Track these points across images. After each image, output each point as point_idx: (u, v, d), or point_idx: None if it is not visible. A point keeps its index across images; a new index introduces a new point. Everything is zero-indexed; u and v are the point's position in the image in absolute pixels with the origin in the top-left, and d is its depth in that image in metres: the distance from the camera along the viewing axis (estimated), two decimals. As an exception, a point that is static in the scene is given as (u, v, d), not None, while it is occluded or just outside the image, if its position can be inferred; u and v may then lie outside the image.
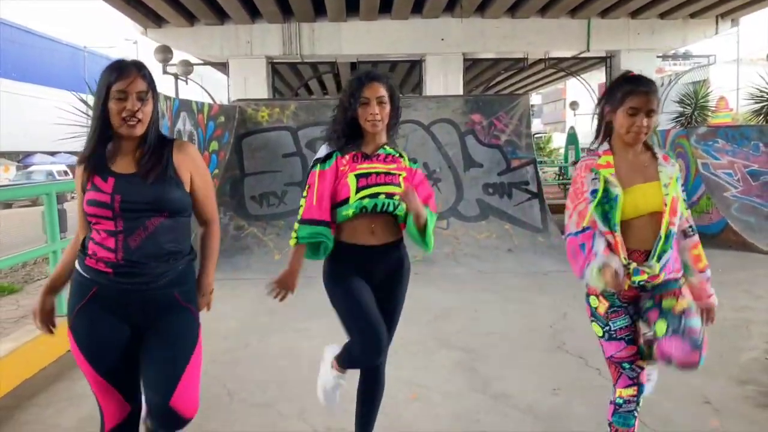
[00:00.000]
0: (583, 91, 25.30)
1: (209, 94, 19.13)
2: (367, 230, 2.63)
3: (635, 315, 2.47)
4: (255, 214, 8.16)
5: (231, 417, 3.43)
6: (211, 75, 26.65)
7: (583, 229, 2.34)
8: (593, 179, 2.37)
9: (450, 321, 5.30)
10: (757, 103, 16.00)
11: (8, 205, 21.89)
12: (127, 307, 2.13)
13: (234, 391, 3.79)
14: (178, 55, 18.70)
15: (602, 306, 2.49)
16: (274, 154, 8.54)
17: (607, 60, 21.66)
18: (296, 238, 2.67)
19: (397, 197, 2.59)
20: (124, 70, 2.08)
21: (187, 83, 17.18)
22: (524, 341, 4.69)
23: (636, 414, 2.53)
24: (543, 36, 19.98)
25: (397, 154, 2.73)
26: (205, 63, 21.44)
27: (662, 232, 2.35)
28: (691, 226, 2.61)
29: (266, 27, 19.66)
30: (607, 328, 2.49)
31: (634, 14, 19.59)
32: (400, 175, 2.66)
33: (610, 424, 2.55)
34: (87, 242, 2.15)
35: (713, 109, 23.74)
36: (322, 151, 2.70)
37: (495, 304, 5.74)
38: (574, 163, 11.43)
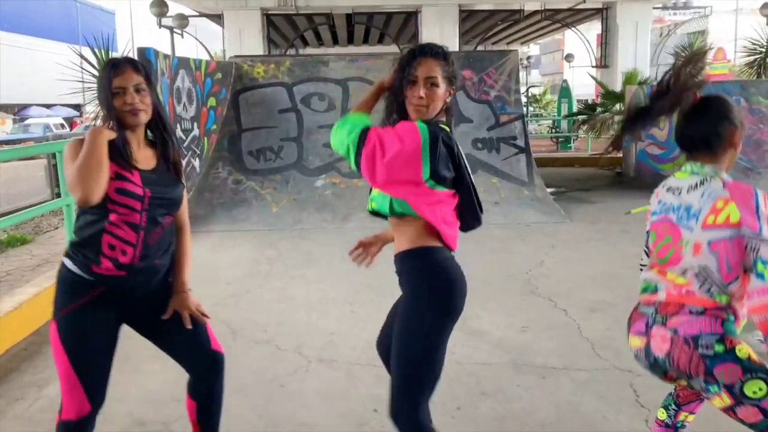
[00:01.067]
0: (579, 44, 25.28)
1: (205, 47, 19.14)
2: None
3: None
4: (252, 169, 8.50)
5: (235, 352, 3.86)
6: (206, 26, 26.44)
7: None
8: None
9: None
10: (750, 55, 16.11)
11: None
12: (130, 302, 2.22)
13: (237, 330, 4.22)
14: (173, 8, 18.65)
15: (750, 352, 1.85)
16: (270, 110, 8.82)
17: (603, 11, 21.61)
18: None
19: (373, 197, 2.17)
20: (118, 67, 2.14)
21: (182, 36, 17.21)
22: (501, 286, 5.12)
23: None
24: (539, -13, 19.87)
25: None
26: (201, 15, 21.36)
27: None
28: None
29: (261, -22, 19.53)
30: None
31: (631, -35, 19.50)
32: None
33: None
34: (98, 248, 2.10)
35: (710, 61, 23.78)
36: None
37: (477, 253, 6.14)
38: (567, 116, 11.70)
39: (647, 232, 2.28)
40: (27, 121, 27.11)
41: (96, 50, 10.08)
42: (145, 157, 2.20)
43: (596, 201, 9.15)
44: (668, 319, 1.93)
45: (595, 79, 17.92)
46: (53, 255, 6.05)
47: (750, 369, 1.79)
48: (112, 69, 2.13)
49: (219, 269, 5.69)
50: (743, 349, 1.82)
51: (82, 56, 10.56)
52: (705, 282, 1.90)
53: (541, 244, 6.51)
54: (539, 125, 23.78)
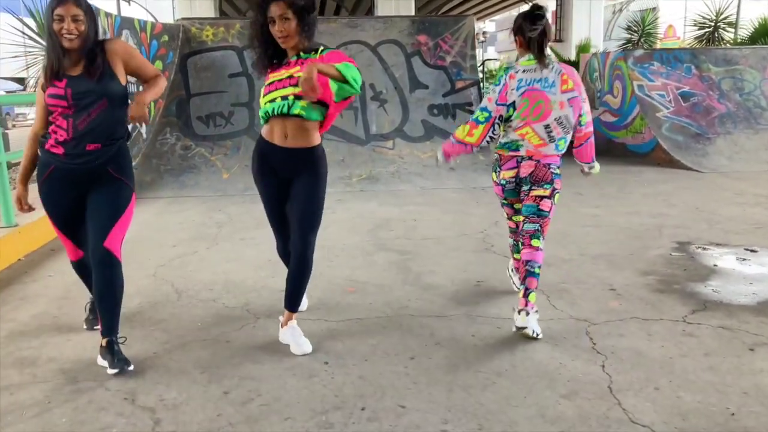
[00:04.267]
0: (535, 18, 25.34)
1: (153, 16, 18.52)
2: (281, 133, 2.98)
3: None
4: (202, 134, 8.23)
5: (178, 310, 3.69)
6: (155, 2, 25.62)
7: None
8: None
9: (389, 229, 5.62)
10: (700, 29, 16.38)
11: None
12: (75, 180, 2.91)
13: (182, 290, 4.03)
14: (118, -25, 17.93)
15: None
16: (220, 75, 8.54)
17: (557, -15, 21.65)
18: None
19: (291, 97, 2.86)
20: (59, 1, 2.74)
21: (129, 4, 16.58)
22: (456, 244, 5.05)
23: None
24: (494, -41, 19.76)
25: (311, 56, 2.91)
26: (148, -16, 20.59)
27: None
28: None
29: (212, -55, 18.92)
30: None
31: (584, -62, 19.56)
32: (297, 77, 2.72)
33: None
34: (48, 132, 2.88)
35: (661, 36, 24.16)
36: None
37: (432, 215, 6.07)
38: None
39: (512, 103, 3.35)
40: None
41: (36, 13, 9.56)
42: (76, 68, 2.84)
43: (551, 167, 9.17)
44: (530, 159, 3.37)
45: (552, 49, 17.95)
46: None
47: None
48: (56, 0, 2.75)
49: (165, 232, 5.47)
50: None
51: (22, 21, 10.02)
52: (564, 126, 3.35)
53: (496, 206, 6.37)
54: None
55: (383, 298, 3.84)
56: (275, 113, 2.92)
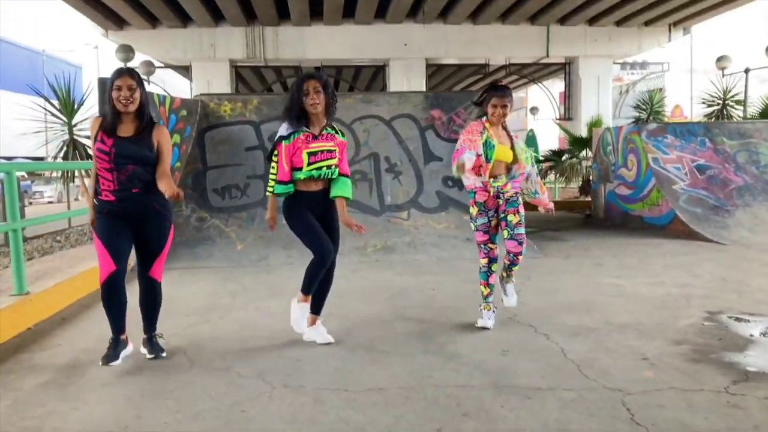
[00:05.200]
0: (544, 98, 25.88)
1: (169, 95, 19.07)
2: (313, 183, 4.00)
3: (493, 218, 4.40)
4: (217, 206, 8.22)
5: (191, 379, 3.53)
6: (172, 81, 26.47)
7: (470, 152, 4.21)
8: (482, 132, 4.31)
9: (407, 298, 5.47)
10: (708, 107, 16.61)
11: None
12: (127, 216, 3.66)
13: (194, 359, 3.88)
14: (139, 58, 18.55)
15: (473, 210, 4.45)
16: (237, 148, 8.62)
17: (566, 66, 22.22)
18: (272, 191, 4.04)
19: (334, 167, 4.00)
20: (120, 73, 3.62)
21: (149, 83, 17.09)
22: (477, 313, 4.87)
23: (488, 274, 4.51)
24: (504, 42, 20.44)
25: (334, 132, 4.07)
26: (168, 66, 21.33)
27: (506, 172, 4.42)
28: (530, 175, 4.52)
29: (230, 30, 19.71)
30: (475, 222, 4.45)
31: (592, 21, 20.20)
32: (335, 149, 4.01)
33: (479, 282, 4.59)
34: (98, 186, 3.64)
35: (668, 115, 24.53)
36: (283, 129, 4.00)
37: (451, 284, 5.92)
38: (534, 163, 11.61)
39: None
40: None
41: (58, 90, 9.84)
42: (125, 129, 3.62)
43: (568, 239, 9.06)
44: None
45: (560, 126, 18.22)
46: (-1, 292, 5.63)
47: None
48: (116, 73, 3.63)
49: (178, 302, 5.34)
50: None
51: (45, 98, 10.30)
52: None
53: (516, 276, 6.31)
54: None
55: (405, 367, 3.67)
56: (321, 177, 3.99)
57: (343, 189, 4.05)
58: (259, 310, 5.13)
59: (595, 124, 14.00)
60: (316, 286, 4.07)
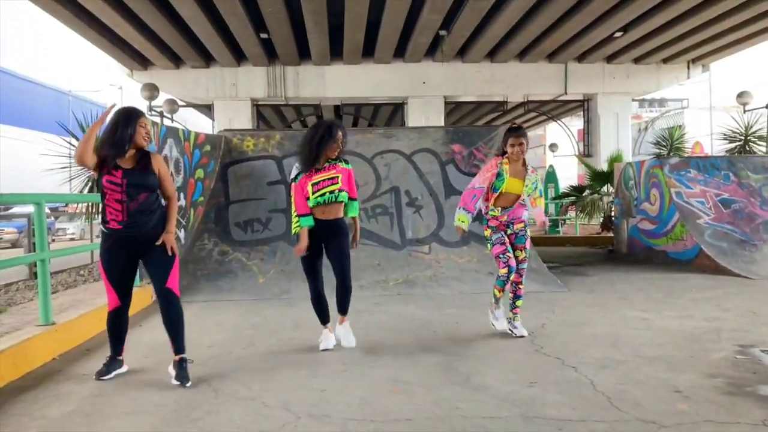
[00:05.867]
0: (562, 135, 25.94)
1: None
2: (321, 212, 4.62)
3: (505, 235, 5.05)
4: (239, 240, 8.27)
5: (216, 408, 3.50)
6: (194, 120, 26.92)
7: (481, 187, 5.00)
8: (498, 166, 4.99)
9: (431, 331, 5.41)
10: (730, 142, 16.50)
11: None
12: (132, 243, 3.98)
13: (218, 388, 3.85)
14: (162, 96, 18.92)
15: (487, 232, 5.10)
16: (259, 182, 8.71)
17: (584, 103, 22.29)
18: (299, 226, 4.61)
19: (336, 191, 4.57)
20: (143, 114, 4.04)
21: (172, 121, 17.40)
22: (503, 346, 4.81)
23: (505, 282, 4.99)
24: (522, 80, 20.58)
25: (337, 162, 4.61)
26: (190, 105, 21.71)
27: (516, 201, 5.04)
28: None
29: (251, 70, 20.07)
30: (491, 240, 5.04)
31: (610, 59, 20.31)
32: (337, 176, 4.58)
33: (495, 287, 5.14)
34: (105, 214, 3.94)
35: (689, 151, 24.41)
36: (294, 171, 4.68)
37: (475, 317, 5.86)
38: (555, 199, 12.05)
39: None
40: (10, 210, 26.76)
41: (85, 127, 10.05)
42: (129, 162, 3.97)
43: (591, 274, 8.95)
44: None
45: (581, 160, 18.16)
46: (24, 324, 5.65)
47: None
48: (140, 113, 4.03)
49: (200, 334, 5.33)
50: None
51: (72, 135, 10.49)
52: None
53: (540, 309, 6.25)
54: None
55: (431, 398, 3.61)
56: (325, 202, 4.57)
57: (353, 210, 4.78)
58: (281, 341, 5.10)
59: (616, 159, 13.96)
60: (338, 296, 4.78)
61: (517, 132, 5.00)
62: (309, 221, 4.55)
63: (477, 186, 5.03)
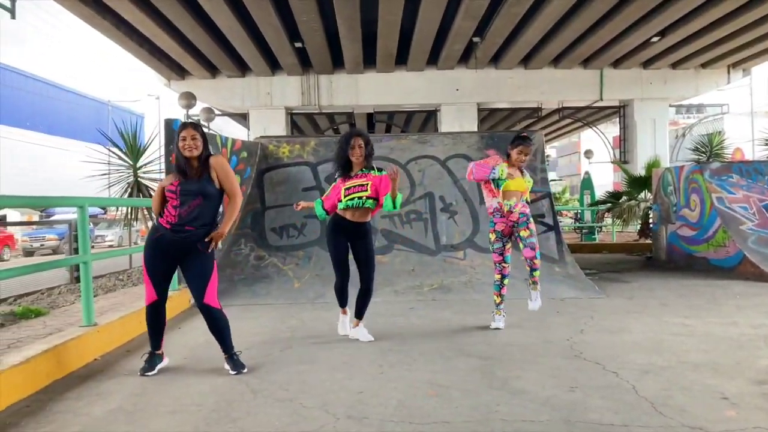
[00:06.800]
0: (597, 141, 25.60)
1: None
2: (350, 214, 5.07)
3: (507, 243, 5.51)
4: (275, 245, 8.33)
5: (254, 409, 3.52)
6: (229, 129, 27.28)
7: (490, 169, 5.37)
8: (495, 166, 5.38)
9: (467, 335, 5.37)
10: (774, 147, 16.03)
11: (30, 253, 22.25)
12: (173, 247, 4.20)
13: (257, 390, 3.87)
14: (199, 105, 19.24)
15: (492, 236, 5.52)
16: (294, 188, 8.77)
17: (620, 109, 21.99)
18: (316, 205, 5.29)
19: (364, 197, 4.98)
20: (184, 126, 4.20)
21: (208, 130, 17.64)
22: (542, 351, 4.74)
23: (500, 287, 5.64)
24: (556, 86, 20.38)
25: (368, 171, 5.07)
26: (225, 114, 22.02)
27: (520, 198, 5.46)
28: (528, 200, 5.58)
29: (286, 79, 20.28)
30: (492, 246, 5.54)
31: (646, 64, 20.00)
32: (367, 183, 5.01)
33: (493, 292, 5.73)
34: (163, 211, 4.21)
35: (728, 157, 23.91)
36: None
37: (512, 322, 5.79)
38: (591, 205, 11.90)
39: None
40: (52, 217, 27.43)
41: (125, 134, 10.27)
42: (193, 171, 4.16)
43: (630, 281, 8.79)
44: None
45: (620, 165, 17.88)
46: (67, 325, 5.77)
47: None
48: (181, 126, 4.21)
49: (237, 337, 5.30)
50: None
51: (113, 142, 10.71)
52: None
53: (578, 315, 6.15)
54: (560, 220, 23.63)
55: (469, 401, 3.57)
56: (354, 206, 5.01)
57: (390, 202, 5.03)
58: (318, 344, 5.11)
59: (653, 164, 13.71)
60: (358, 299, 5.23)
61: (527, 142, 5.41)
62: (321, 213, 5.23)
63: (481, 163, 5.51)
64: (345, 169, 5.11)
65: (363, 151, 5.04)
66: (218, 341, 4.31)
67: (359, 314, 5.24)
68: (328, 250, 5.28)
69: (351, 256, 5.19)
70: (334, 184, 5.24)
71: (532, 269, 5.40)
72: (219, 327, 4.27)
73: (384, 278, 7.51)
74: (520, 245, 5.42)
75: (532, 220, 5.45)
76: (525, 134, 5.56)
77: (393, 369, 4.28)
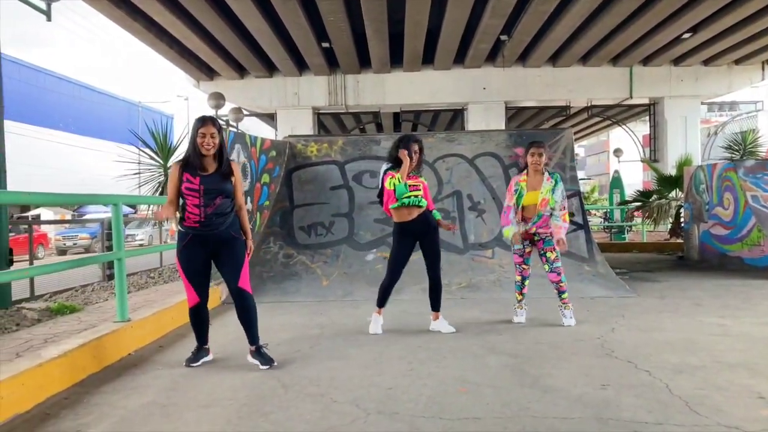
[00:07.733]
0: (627, 140, 25.27)
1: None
2: (406, 213, 5.33)
3: (527, 246, 5.67)
4: (303, 244, 8.39)
5: (286, 403, 3.55)
6: (256, 129, 27.51)
7: (509, 204, 5.67)
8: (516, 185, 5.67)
9: (496, 333, 5.35)
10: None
11: (63, 252, 22.69)
12: (207, 241, 4.26)
13: (288, 385, 3.91)
14: (228, 106, 19.44)
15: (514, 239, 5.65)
16: (322, 187, 8.82)
17: (650, 107, 21.69)
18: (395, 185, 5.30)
19: (420, 196, 5.28)
20: (204, 121, 4.18)
21: (237, 130, 17.81)
22: (573, 349, 4.71)
23: (521, 287, 5.79)
24: (585, 84, 20.19)
25: (417, 175, 5.37)
26: (253, 114, 22.20)
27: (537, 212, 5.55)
28: (553, 210, 5.54)
29: (313, 79, 20.39)
30: (513, 248, 5.71)
31: (677, 61, 19.71)
32: (418, 185, 5.30)
33: (515, 291, 5.90)
34: (183, 212, 4.20)
35: (763, 154, 23.43)
36: (384, 166, 5.46)
37: (541, 321, 5.76)
38: (620, 204, 11.79)
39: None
40: (85, 216, 27.95)
41: (156, 134, 10.43)
42: (209, 167, 4.21)
43: (661, 280, 8.67)
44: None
45: (649, 164, 17.64)
46: (101, 321, 5.89)
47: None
48: (200, 121, 4.19)
49: (267, 333, 5.39)
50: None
51: (144, 142, 10.90)
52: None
53: (608, 314, 6.09)
54: (589, 220, 23.38)
55: (500, 398, 3.56)
56: (410, 204, 5.27)
57: (436, 215, 5.51)
58: (348, 341, 5.14)
59: (685, 162, 13.50)
60: (431, 293, 5.46)
61: (538, 143, 5.69)
62: (401, 190, 5.25)
63: (506, 204, 5.75)
64: (393, 162, 5.37)
65: (419, 157, 5.37)
66: (246, 330, 4.36)
67: (436, 307, 5.47)
68: (391, 250, 5.52)
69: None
70: (383, 175, 5.38)
71: (560, 292, 5.58)
72: (249, 313, 4.32)
73: (412, 277, 7.50)
74: (545, 267, 5.62)
75: (562, 238, 5.47)
76: (534, 140, 5.86)
77: (423, 366, 4.29)
